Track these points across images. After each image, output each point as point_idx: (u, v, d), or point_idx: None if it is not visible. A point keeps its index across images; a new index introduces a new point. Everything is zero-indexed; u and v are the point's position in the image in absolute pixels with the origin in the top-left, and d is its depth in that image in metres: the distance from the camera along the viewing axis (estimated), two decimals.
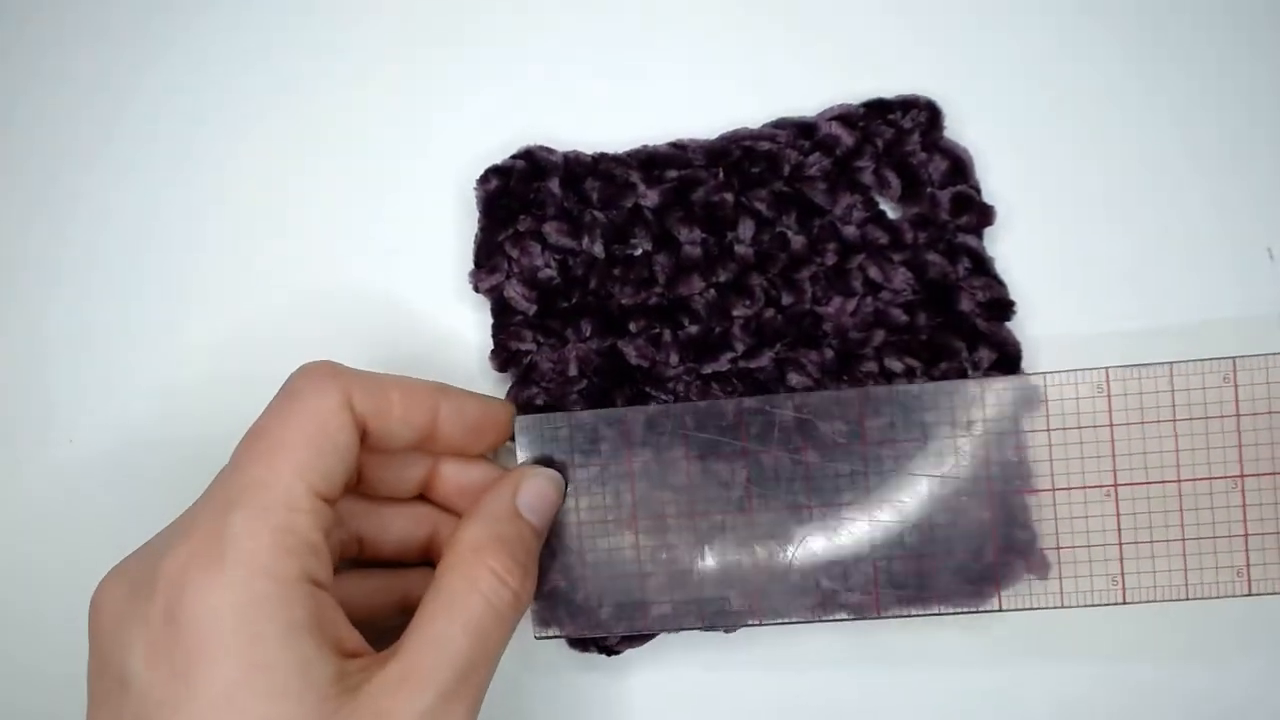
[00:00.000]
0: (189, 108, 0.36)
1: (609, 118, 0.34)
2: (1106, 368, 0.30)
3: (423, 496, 0.32)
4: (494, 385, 0.34)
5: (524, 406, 0.32)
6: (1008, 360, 0.32)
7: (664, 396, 0.33)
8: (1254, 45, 0.34)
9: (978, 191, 0.33)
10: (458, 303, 0.34)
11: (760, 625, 0.32)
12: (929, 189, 0.33)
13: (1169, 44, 0.34)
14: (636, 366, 0.32)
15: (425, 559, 0.32)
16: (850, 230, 0.32)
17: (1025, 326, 0.33)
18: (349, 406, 0.27)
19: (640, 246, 0.33)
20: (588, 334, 0.33)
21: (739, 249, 0.33)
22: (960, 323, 0.32)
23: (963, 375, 0.32)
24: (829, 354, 0.32)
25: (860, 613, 0.31)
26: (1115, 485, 0.30)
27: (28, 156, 0.36)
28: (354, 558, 0.31)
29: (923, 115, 0.33)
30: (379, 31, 0.36)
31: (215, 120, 0.36)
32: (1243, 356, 0.30)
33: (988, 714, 0.33)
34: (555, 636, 0.32)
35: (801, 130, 0.33)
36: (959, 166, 0.33)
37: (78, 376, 0.35)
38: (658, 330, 0.33)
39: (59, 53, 0.36)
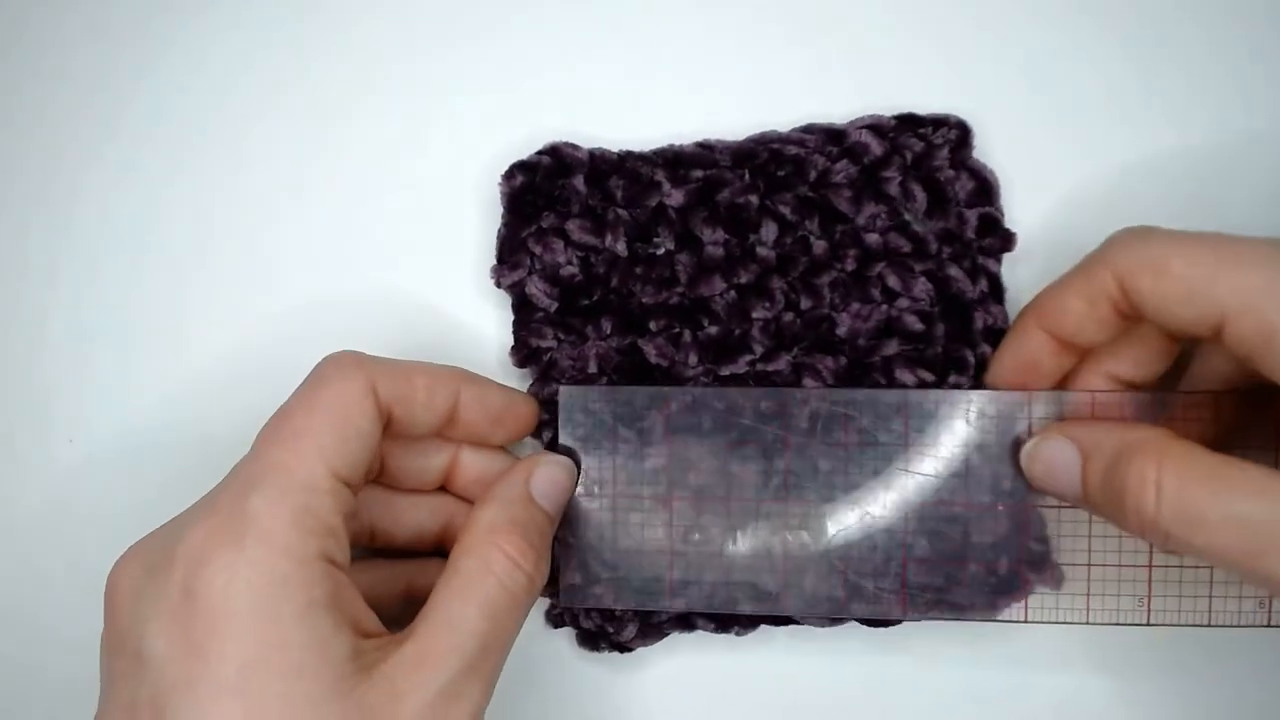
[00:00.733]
0: (189, 108, 0.36)
1: (635, 116, 0.34)
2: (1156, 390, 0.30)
3: (442, 488, 0.32)
4: (514, 382, 0.33)
5: (544, 403, 0.33)
6: None
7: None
8: None
9: (1001, 215, 0.33)
10: (478, 299, 0.34)
11: (775, 626, 0.33)
12: (956, 207, 0.33)
13: (1199, 86, 0.34)
14: (656, 366, 0.33)
15: (437, 549, 0.32)
16: (873, 238, 0.32)
17: None
18: (373, 393, 0.28)
19: (663, 245, 0.33)
20: (608, 332, 0.33)
21: (760, 251, 0.33)
22: (971, 341, 0.32)
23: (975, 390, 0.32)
24: (843, 360, 0.32)
25: (885, 612, 0.31)
26: None
27: (28, 156, 0.36)
28: (364, 547, 0.32)
29: (953, 133, 0.33)
30: (387, 30, 0.35)
31: (215, 120, 0.36)
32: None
33: (996, 716, 0.34)
34: (581, 609, 0.32)
35: (830, 136, 0.33)
36: (985, 188, 0.33)
37: (78, 376, 0.35)
38: (678, 330, 0.33)
39: (59, 53, 0.36)
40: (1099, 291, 0.28)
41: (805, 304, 0.33)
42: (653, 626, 0.33)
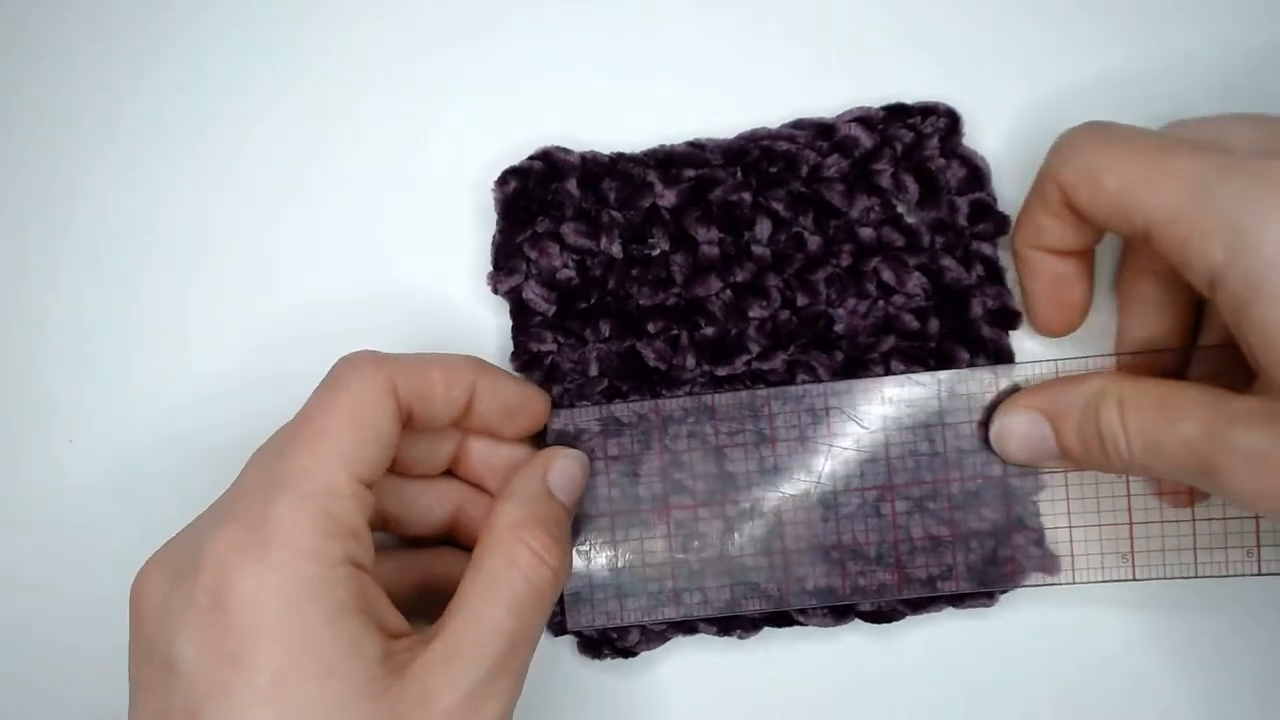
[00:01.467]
0: (189, 108, 0.36)
1: (626, 118, 0.34)
2: (1116, 354, 0.31)
3: (449, 472, 0.32)
4: None
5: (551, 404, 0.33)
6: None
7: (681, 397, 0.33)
8: None
9: (994, 200, 0.33)
10: (476, 305, 0.34)
11: (779, 628, 0.33)
12: (947, 195, 0.33)
13: (1190, 65, 0.34)
14: (654, 369, 0.33)
15: (448, 535, 0.32)
16: (866, 232, 0.33)
17: (1023, 341, 0.33)
18: (393, 393, 0.28)
19: (658, 246, 0.33)
20: (607, 335, 0.33)
21: (756, 249, 0.33)
22: (967, 329, 0.32)
23: None
24: (839, 357, 0.32)
25: (882, 594, 0.32)
26: None
27: (28, 156, 0.36)
28: (376, 532, 0.32)
29: (942, 121, 0.33)
30: (386, 30, 0.35)
31: (215, 120, 0.36)
32: None
33: (994, 703, 0.34)
34: (588, 629, 0.33)
35: (820, 131, 0.33)
36: (976, 174, 0.33)
37: (78, 376, 0.35)
38: (675, 332, 0.33)
39: (59, 53, 0.36)
40: (1057, 206, 0.28)
41: (802, 301, 0.33)
42: (655, 633, 0.33)
